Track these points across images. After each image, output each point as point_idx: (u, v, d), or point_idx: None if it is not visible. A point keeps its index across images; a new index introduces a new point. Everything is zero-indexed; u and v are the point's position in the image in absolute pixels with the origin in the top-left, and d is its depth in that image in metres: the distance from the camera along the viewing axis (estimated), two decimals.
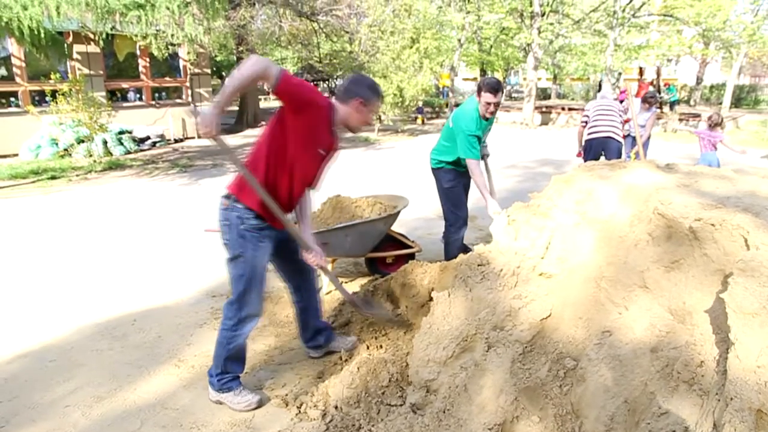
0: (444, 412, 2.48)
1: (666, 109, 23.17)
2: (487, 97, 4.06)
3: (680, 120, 18.02)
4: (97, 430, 2.78)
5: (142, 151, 13.35)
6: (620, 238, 2.48)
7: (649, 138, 8.16)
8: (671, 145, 14.37)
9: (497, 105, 4.13)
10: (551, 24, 20.17)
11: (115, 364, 3.40)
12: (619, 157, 6.49)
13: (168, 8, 8.40)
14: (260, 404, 2.93)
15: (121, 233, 6.28)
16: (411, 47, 16.82)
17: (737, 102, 26.16)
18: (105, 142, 11.95)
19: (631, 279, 2.32)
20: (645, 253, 2.31)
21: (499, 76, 36.94)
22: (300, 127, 2.65)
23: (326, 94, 3.02)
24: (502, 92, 4.13)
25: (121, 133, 12.86)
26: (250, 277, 2.81)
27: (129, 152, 12.73)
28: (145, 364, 3.40)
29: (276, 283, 4.18)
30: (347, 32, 16.67)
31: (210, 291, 4.55)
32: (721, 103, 23.58)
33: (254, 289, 2.86)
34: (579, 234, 2.66)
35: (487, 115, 4.20)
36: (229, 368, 2.93)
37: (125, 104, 14.57)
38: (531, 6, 19.73)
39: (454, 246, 4.65)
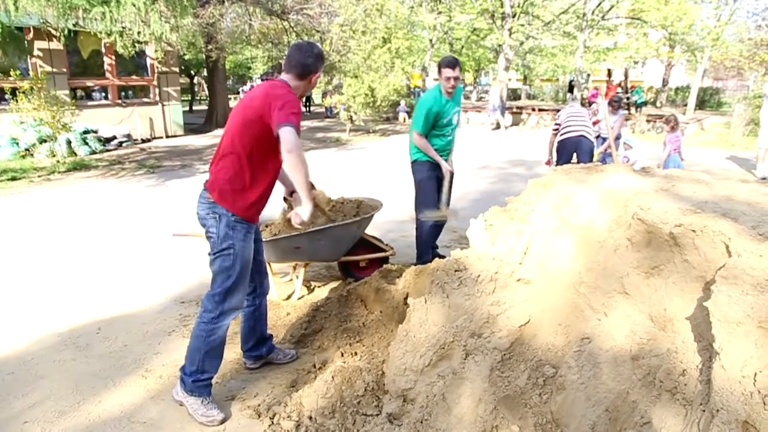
0: (422, 422, 2.41)
1: (633, 110, 23.65)
2: (447, 72, 4.31)
3: (647, 121, 18.36)
4: None
5: (108, 151, 12.99)
6: (599, 243, 2.45)
7: (618, 138, 8.27)
8: (639, 145, 14.60)
9: (456, 79, 4.36)
10: (522, 25, 20.35)
11: (79, 376, 3.24)
12: (592, 156, 6.58)
13: (134, 5, 8.16)
14: (223, 422, 2.79)
15: (86, 237, 6.06)
16: (382, 47, 16.78)
17: (701, 104, 26.82)
18: (69, 142, 11.58)
19: (611, 285, 2.30)
20: (624, 259, 2.28)
21: (470, 76, 37.22)
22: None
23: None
24: (460, 67, 4.41)
25: (86, 132, 12.48)
26: (239, 269, 2.76)
27: (94, 152, 12.36)
28: (110, 375, 3.25)
29: None
30: (318, 31, 16.50)
31: (178, 297, 4.40)
32: (686, 105, 24.14)
33: (240, 283, 2.80)
34: (557, 239, 2.63)
35: (449, 90, 4.38)
36: (206, 366, 2.80)
37: (90, 103, 14.17)
38: (502, 7, 19.87)
39: (423, 240, 4.74)
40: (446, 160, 4.70)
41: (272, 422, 2.76)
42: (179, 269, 4.96)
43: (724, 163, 11.58)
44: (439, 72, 4.40)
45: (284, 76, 2.79)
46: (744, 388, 1.52)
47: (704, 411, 1.59)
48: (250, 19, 14.47)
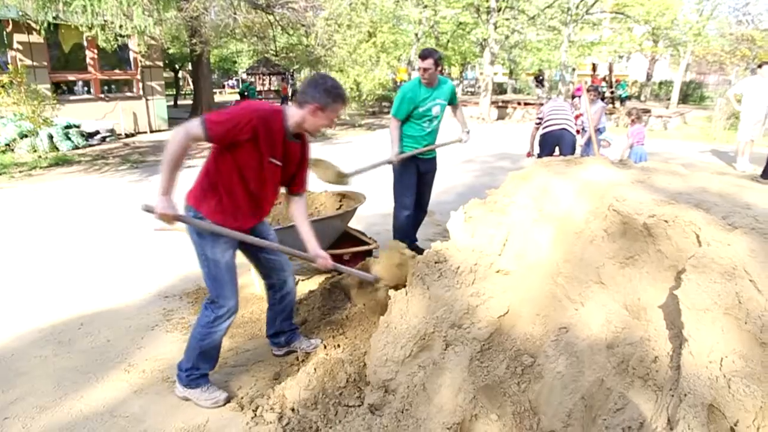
0: (402, 412, 2.44)
1: (617, 104, 23.85)
2: (419, 62, 4.46)
3: (630, 115, 18.51)
4: None
5: (91, 146, 12.83)
6: (576, 234, 2.49)
7: (599, 131, 8.34)
8: (622, 139, 14.74)
9: (427, 69, 4.40)
10: (507, 19, 20.40)
11: (61, 371, 3.22)
12: (574, 149, 6.64)
13: None
14: (227, 401, 2.88)
15: (68, 233, 6.01)
16: (368, 41, 16.76)
17: (684, 98, 27.09)
18: (51, 137, 11.42)
19: (588, 275, 2.34)
20: (601, 250, 2.33)
21: (455, 70, 37.26)
22: (249, 150, 2.62)
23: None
24: (432, 58, 4.40)
25: (68, 127, 12.32)
26: (215, 273, 2.76)
27: (77, 147, 12.21)
28: (92, 370, 3.24)
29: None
30: (303, 25, 16.42)
31: (162, 292, 4.39)
32: (669, 99, 24.40)
33: (224, 287, 2.79)
34: (536, 230, 2.66)
35: (425, 78, 4.44)
36: (200, 364, 2.86)
37: (72, 97, 13.98)
38: (487, 1, 19.91)
39: (398, 228, 4.84)
40: (429, 158, 4.74)
41: (255, 414, 2.78)
42: (162, 264, 4.94)
43: (706, 156, 11.73)
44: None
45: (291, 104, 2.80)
46: (710, 372, 1.56)
47: (673, 396, 1.63)
48: (235, 13, 14.36)
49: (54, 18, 9.83)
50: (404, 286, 2.99)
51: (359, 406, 2.67)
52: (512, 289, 2.59)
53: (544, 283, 2.51)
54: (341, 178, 4.35)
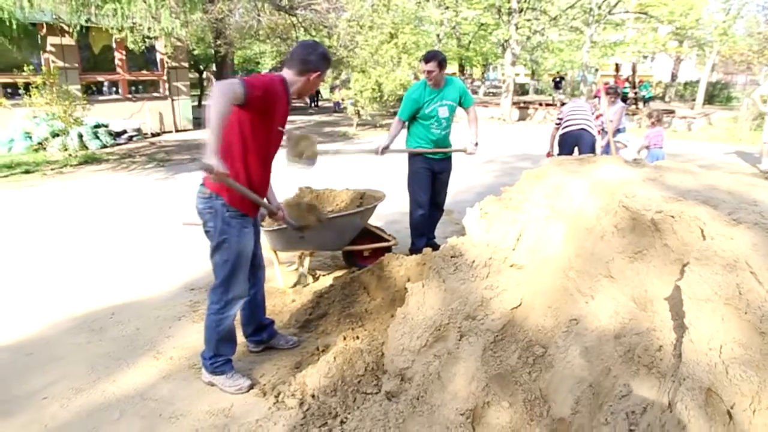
0: (418, 399, 2.54)
1: (641, 105, 23.60)
2: (422, 66, 4.54)
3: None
4: (75, 421, 2.79)
5: (118, 145, 13.19)
6: (588, 230, 2.57)
7: (619, 131, 8.32)
8: (641, 140, 14.62)
9: (431, 72, 4.47)
10: (529, 20, 20.34)
11: (94, 357, 3.40)
12: (593, 149, 6.67)
13: (144, 1, 8.31)
14: (250, 388, 3.02)
15: (98, 227, 6.24)
16: (389, 42, 16.86)
17: (710, 99, 26.68)
18: (80, 136, 11.79)
19: (598, 269, 2.42)
20: (611, 245, 2.40)
21: (477, 71, 37.16)
22: (265, 119, 2.75)
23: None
24: (436, 61, 4.47)
25: (97, 126, 12.69)
26: (235, 261, 2.88)
27: (105, 146, 12.58)
28: (123, 356, 3.41)
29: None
30: (326, 27, 16.60)
31: (188, 284, 4.56)
32: (694, 100, 24.06)
33: (239, 273, 2.93)
34: (549, 226, 2.75)
35: (430, 80, 4.52)
36: (221, 350, 3.00)
37: (101, 98, 14.37)
38: (509, 2, 19.88)
39: (415, 227, 4.92)
40: (442, 158, 4.81)
41: (277, 400, 2.90)
42: (188, 258, 5.12)
43: (730, 158, 11.59)
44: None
45: (284, 71, 2.87)
46: (710, 359, 1.64)
47: (674, 381, 1.71)
48: (259, 15, 14.60)
49: (86, 21, 10.14)
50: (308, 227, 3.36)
51: (376, 393, 2.77)
52: (525, 282, 2.68)
53: (556, 276, 2.59)
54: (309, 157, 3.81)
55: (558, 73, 30.95)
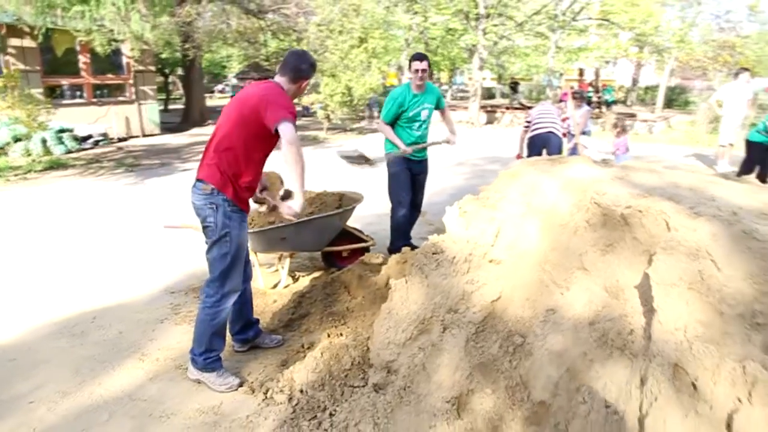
0: (405, 389, 2.66)
1: (604, 109, 24.31)
2: (415, 64, 4.65)
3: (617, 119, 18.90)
4: (64, 424, 2.81)
5: (84, 150, 12.93)
6: (561, 225, 2.73)
7: (585, 134, 8.61)
8: (603, 143, 15.09)
9: (424, 71, 4.66)
10: (496, 26, 20.76)
11: (78, 360, 3.41)
12: (560, 151, 6.91)
13: (113, 4, 8.23)
14: (240, 386, 3.08)
15: (71, 233, 6.17)
16: (359, 46, 16.97)
17: (669, 103, 27.62)
18: (44, 141, 11.52)
19: (572, 262, 2.58)
20: (583, 239, 2.57)
21: (444, 75, 37.64)
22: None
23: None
24: (427, 60, 4.70)
25: (62, 131, 12.40)
26: (235, 254, 2.99)
27: (70, 151, 12.30)
28: (108, 359, 3.43)
29: None
30: (295, 31, 16.63)
31: (168, 288, 4.58)
32: (655, 104, 24.88)
33: (237, 266, 3.03)
34: (525, 223, 2.90)
35: (418, 83, 4.69)
36: (214, 345, 3.06)
37: (65, 102, 14.07)
38: (476, 8, 20.26)
39: (395, 227, 5.01)
40: (421, 160, 4.98)
41: (266, 396, 2.99)
42: (166, 262, 5.13)
43: (689, 159, 12.08)
44: (410, 67, 4.76)
45: (278, 79, 3.03)
46: (676, 338, 1.80)
47: (645, 360, 1.87)
48: (228, 18, 14.54)
49: (50, 23, 9.96)
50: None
51: (364, 386, 2.88)
52: (504, 276, 2.83)
53: (533, 270, 2.74)
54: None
55: (512, 77, 32.37)
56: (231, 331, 3.47)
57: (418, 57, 4.70)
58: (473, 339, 2.68)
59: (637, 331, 2.05)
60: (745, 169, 8.15)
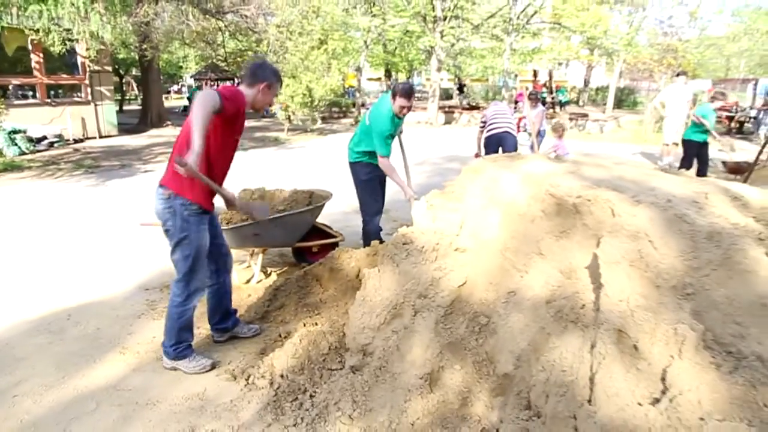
0: (380, 369, 2.87)
1: (558, 109, 25.15)
2: (402, 101, 4.47)
3: (570, 119, 19.66)
4: (51, 414, 2.89)
5: (39, 151, 12.66)
6: (520, 215, 3.00)
7: (540, 134, 9.00)
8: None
9: (409, 108, 4.58)
10: (452, 28, 21.23)
11: (59, 356, 3.48)
12: (516, 149, 7.25)
13: (72, 4, 8.13)
14: (213, 367, 3.27)
15: (37, 235, 6.13)
16: (319, 48, 17.12)
17: (619, 103, 28.78)
18: None
19: (530, 248, 2.85)
20: (540, 227, 2.84)
21: (402, 76, 38.06)
22: (229, 128, 3.07)
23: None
24: (414, 96, 4.62)
25: (14, 132, 12.12)
26: (196, 255, 3.13)
27: (24, 153, 12.04)
28: (89, 353, 3.52)
29: None
30: (255, 32, 16.64)
31: (142, 285, 4.66)
32: (605, 104, 25.87)
33: (199, 267, 3.18)
34: (487, 214, 3.16)
35: (400, 116, 4.64)
36: (183, 337, 3.24)
37: (17, 102, 13.71)
38: (434, 11, 20.68)
39: (372, 233, 5.06)
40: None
41: (248, 382, 3.15)
42: (139, 260, 5.20)
43: (636, 157, 12.72)
44: (394, 97, 4.50)
45: (241, 86, 3.19)
46: (620, 308, 2.08)
47: (595, 328, 2.15)
48: (187, 18, 14.45)
49: (4, 21, 9.73)
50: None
51: (341, 368, 3.08)
52: (469, 263, 3.08)
53: (495, 257, 3.00)
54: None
55: (459, 79, 33.56)
56: (210, 322, 3.62)
57: (407, 94, 4.48)
58: (442, 321, 2.92)
59: (588, 306, 2.33)
60: (685, 165, 8.73)
